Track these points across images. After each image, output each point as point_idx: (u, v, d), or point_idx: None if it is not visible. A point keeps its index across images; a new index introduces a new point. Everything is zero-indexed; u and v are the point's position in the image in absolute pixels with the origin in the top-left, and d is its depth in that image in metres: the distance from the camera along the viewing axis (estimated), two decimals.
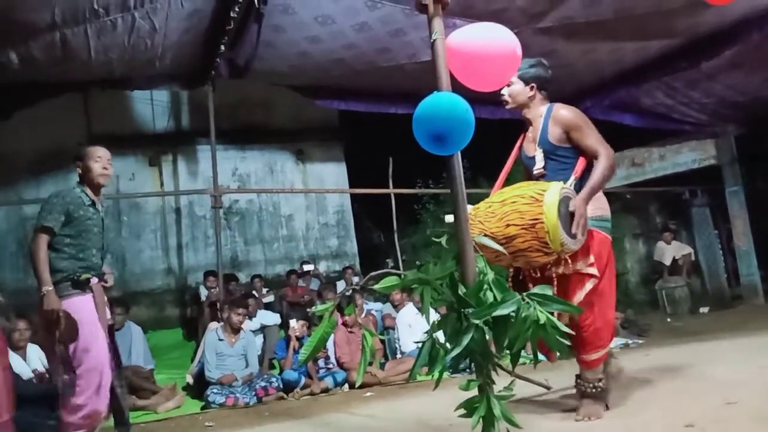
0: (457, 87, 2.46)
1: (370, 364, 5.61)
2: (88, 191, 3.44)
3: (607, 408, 3.09)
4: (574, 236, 2.79)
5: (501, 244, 2.68)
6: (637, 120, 8.51)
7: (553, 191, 2.76)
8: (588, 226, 2.91)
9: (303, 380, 5.63)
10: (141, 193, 8.41)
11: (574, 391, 3.21)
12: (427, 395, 3.98)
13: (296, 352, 5.80)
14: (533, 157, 3.23)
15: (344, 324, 6.14)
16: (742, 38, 6.16)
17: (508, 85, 3.22)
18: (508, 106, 3.32)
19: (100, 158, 3.42)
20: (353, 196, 9.93)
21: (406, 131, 2.63)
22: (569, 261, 2.94)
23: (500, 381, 2.39)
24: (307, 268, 8.48)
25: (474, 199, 2.90)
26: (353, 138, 10.09)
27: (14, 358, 4.62)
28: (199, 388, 5.62)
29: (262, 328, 6.82)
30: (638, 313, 8.93)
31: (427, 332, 2.46)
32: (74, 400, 3.16)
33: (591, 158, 3.09)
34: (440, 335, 2.42)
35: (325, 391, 5.54)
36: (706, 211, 10.40)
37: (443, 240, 2.54)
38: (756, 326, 6.46)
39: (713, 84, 7.57)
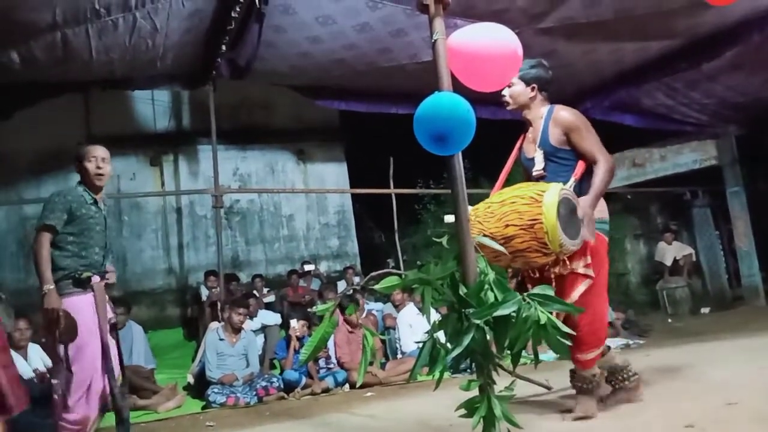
0: (458, 87, 2.46)
1: (371, 364, 5.61)
2: (89, 190, 3.45)
3: (602, 401, 3.10)
4: (573, 236, 2.80)
5: (500, 245, 2.68)
6: (638, 120, 8.52)
7: (552, 192, 2.76)
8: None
9: (304, 380, 5.63)
10: (142, 193, 8.42)
11: (574, 391, 3.21)
12: (427, 395, 3.98)
13: (297, 352, 5.80)
14: (533, 159, 3.23)
15: (348, 323, 6.12)
16: (742, 39, 6.16)
17: (509, 86, 3.22)
18: (508, 107, 3.32)
19: (94, 158, 3.42)
20: (354, 196, 9.94)
21: (407, 131, 2.63)
22: (567, 261, 2.95)
23: (501, 381, 2.40)
24: (308, 268, 8.48)
25: (475, 200, 2.90)
26: (354, 138, 10.10)
27: (15, 358, 4.62)
28: (199, 387, 5.62)
29: (263, 328, 6.82)
30: (639, 313, 8.94)
31: (427, 332, 2.46)
32: (70, 400, 3.16)
33: (589, 163, 3.10)
34: (441, 335, 2.42)
35: (326, 391, 5.54)
36: (707, 211, 10.40)
37: (444, 240, 2.54)
38: (757, 327, 6.47)
39: (714, 85, 7.57)
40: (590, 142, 3.10)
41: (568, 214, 2.80)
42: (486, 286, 2.32)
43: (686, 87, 7.62)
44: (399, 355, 6.43)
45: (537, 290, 2.33)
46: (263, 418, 4.57)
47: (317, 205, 9.69)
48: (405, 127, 2.88)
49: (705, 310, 9.32)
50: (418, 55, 6.18)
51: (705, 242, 10.34)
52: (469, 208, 2.74)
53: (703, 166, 9.71)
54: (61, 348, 3.17)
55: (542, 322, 2.23)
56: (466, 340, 2.25)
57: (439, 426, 3.23)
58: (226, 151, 8.67)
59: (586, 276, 3.00)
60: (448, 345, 2.35)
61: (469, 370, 4.04)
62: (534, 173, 3.20)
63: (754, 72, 7.21)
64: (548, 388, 3.58)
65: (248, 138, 9.22)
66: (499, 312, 2.23)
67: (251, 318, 6.49)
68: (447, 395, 2.69)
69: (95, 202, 3.43)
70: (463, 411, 2.37)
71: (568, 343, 2.33)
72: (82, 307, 3.24)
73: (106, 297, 3.42)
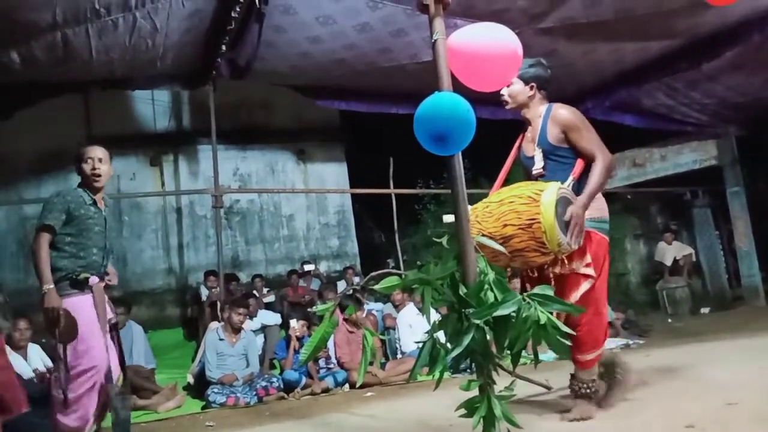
0: (458, 87, 2.46)
1: (371, 364, 5.61)
2: (89, 191, 3.44)
3: (600, 406, 3.10)
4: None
5: (499, 245, 2.67)
6: (638, 120, 8.52)
7: (550, 191, 2.75)
8: (586, 227, 2.91)
9: (304, 380, 5.63)
10: (142, 193, 8.42)
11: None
12: (427, 395, 3.98)
13: (296, 352, 5.80)
14: (532, 157, 3.23)
15: (350, 322, 6.12)
16: (743, 39, 6.16)
17: (508, 85, 3.22)
18: (507, 106, 3.32)
19: (90, 159, 3.40)
20: (354, 196, 9.94)
21: (407, 131, 2.62)
22: (566, 261, 2.94)
23: (501, 381, 2.39)
24: (307, 268, 8.48)
25: (475, 200, 2.90)
26: (354, 138, 10.10)
27: (15, 358, 4.62)
28: (199, 387, 5.62)
29: (263, 328, 6.82)
30: (639, 313, 8.94)
31: (427, 332, 2.46)
32: (69, 401, 3.16)
33: (587, 161, 3.09)
34: (441, 335, 2.42)
35: (326, 391, 5.54)
36: (707, 211, 10.40)
37: (444, 240, 2.53)
38: (757, 327, 6.47)
39: (714, 85, 7.57)
40: (589, 139, 3.09)
41: (565, 214, 2.80)
42: (486, 286, 2.32)
43: (686, 87, 7.61)
44: (399, 355, 6.43)
45: (537, 290, 2.33)
46: (263, 418, 4.57)
47: (317, 205, 9.69)
48: (405, 127, 2.87)
49: (705, 310, 9.32)
50: (418, 55, 6.18)
51: (705, 242, 10.34)
52: (469, 208, 2.74)
53: (703, 166, 9.72)
54: (61, 348, 3.17)
55: (542, 322, 2.23)
56: (466, 340, 2.24)
57: (439, 426, 3.23)
58: (226, 151, 8.67)
59: (587, 276, 2.99)
60: (448, 345, 2.35)
61: (469, 370, 4.04)
62: (533, 172, 3.20)
63: (754, 72, 7.21)
64: (548, 388, 3.58)
65: (248, 138, 9.22)
66: (499, 312, 2.23)
67: (251, 318, 6.49)
68: (447, 395, 2.69)
69: (94, 203, 3.42)
70: (463, 411, 2.36)
71: (568, 343, 2.33)
72: (81, 307, 3.24)
73: (106, 297, 3.42)
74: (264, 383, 5.43)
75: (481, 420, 2.29)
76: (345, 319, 6.11)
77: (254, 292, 7.55)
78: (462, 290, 2.32)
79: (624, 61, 6.90)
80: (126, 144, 8.28)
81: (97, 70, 5.86)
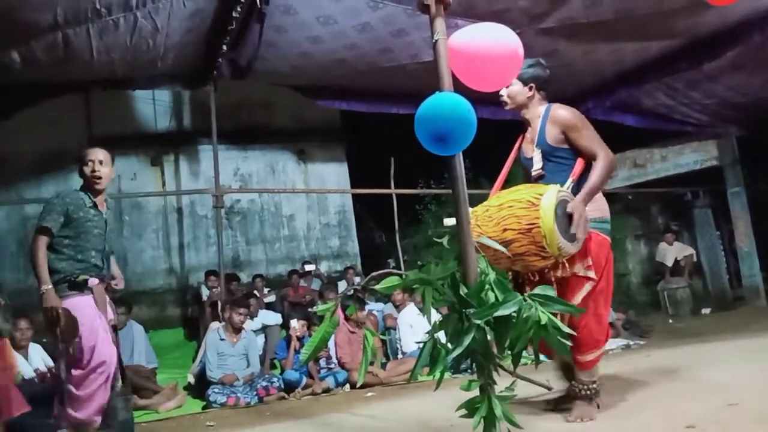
0: (459, 87, 2.46)
1: (372, 364, 5.61)
2: (90, 193, 3.44)
3: (598, 407, 3.10)
4: (572, 239, 2.79)
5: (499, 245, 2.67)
6: (639, 121, 8.52)
7: (549, 195, 2.75)
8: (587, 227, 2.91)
9: (304, 380, 5.63)
10: (143, 193, 8.42)
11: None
12: (428, 396, 3.98)
13: (297, 352, 5.81)
14: (531, 158, 3.22)
15: (352, 322, 6.11)
16: (743, 39, 6.16)
17: (507, 86, 3.21)
18: (507, 107, 3.31)
19: (91, 161, 3.40)
20: (355, 197, 9.94)
21: (407, 131, 2.62)
22: (567, 264, 2.93)
23: (501, 382, 2.39)
24: (308, 268, 8.49)
25: (475, 200, 2.90)
26: (355, 138, 10.09)
27: (16, 358, 4.63)
28: (200, 387, 5.62)
29: (264, 328, 6.82)
30: (640, 314, 8.94)
31: (428, 332, 2.46)
32: (82, 396, 3.17)
33: (589, 160, 3.07)
34: (441, 335, 2.41)
35: (327, 391, 5.54)
36: (708, 212, 10.39)
37: (445, 240, 2.53)
38: (758, 328, 6.46)
39: (714, 85, 7.57)
40: (589, 138, 3.08)
41: (565, 216, 2.79)
42: (487, 287, 2.32)
43: (687, 87, 7.61)
44: (399, 356, 6.43)
45: (538, 290, 2.33)
46: (264, 418, 4.57)
47: (318, 205, 9.69)
48: (406, 127, 2.87)
49: (706, 310, 9.32)
50: (419, 55, 6.18)
51: (706, 243, 10.34)
52: (470, 209, 2.74)
53: (704, 167, 9.72)
54: (63, 346, 3.17)
55: (543, 322, 2.23)
56: (467, 341, 2.24)
57: (439, 426, 3.23)
58: (227, 151, 8.67)
59: (587, 278, 2.99)
60: (449, 345, 2.34)
61: (469, 371, 4.04)
62: (533, 173, 3.19)
63: (754, 72, 7.21)
64: (549, 388, 3.58)
65: (249, 138, 9.22)
66: (500, 312, 2.23)
67: (252, 318, 6.49)
68: (447, 395, 2.69)
69: (95, 206, 3.41)
70: (463, 411, 2.36)
71: (569, 343, 2.32)
72: (82, 308, 3.24)
73: (107, 298, 3.41)
74: (264, 383, 5.43)
75: (482, 420, 2.29)
76: (346, 319, 6.11)
77: (255, 292, 7.55)
78: (463, 290, 2.32)
79: (624, 61, 6.90)
80: (127, 144, 8.27)
81: (97, 70, 5.86)
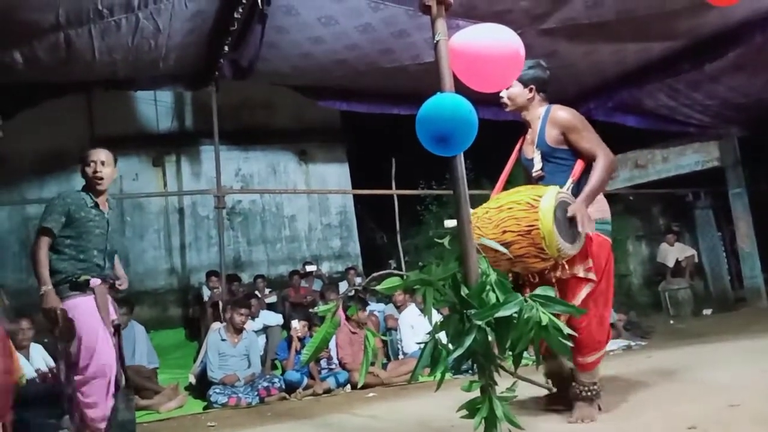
0: (461, 88, 2.46)
1: (373, 364, 5.61)
2: (92, 193, 3.45)
3: (600, 409, 3.10)
4: (571, 240, 2.79)
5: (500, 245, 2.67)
6: (640, 122, 8.51)
7: (548, 197, 2.75)
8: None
9: (305, 381, 5.63)
10: (144, 194, 8.44)
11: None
12: (429, 396, 3.98)
13: (298, 352, 5.81)
14: (532, 159, 3.22)
15: (353, 321, 6.11)
16: (745, 40, 6.15)
17: (507, 88, 3.21)
18: (507, 109, 3.31)
19: (93, 162, 3.40)
20: (356, 197, 9.95)
21: (409, 132, 2.62)
22: (567, 266, 2.93)
23: (502, 382, 2.39)
24: (309, 268, 8.49)
25: (477, 200, 2.90)
26: (356, 139, 10.10)
27: (17, 358, 4.63)
28: (201, 388, 5.63)
29: (265, 329, 6.82)
30: (641, 315, 8.93)
31: (429, 333, 2.46)
32: (87, 401, 3.18)
33: (588, 161, 3.07)
34: (442, 336, 2.42)
35: (328, 391, 5.54)
36: (710, 213, 10.39)
37: (446, 241, 2.53)
38: (759, 328, 6.45)
39: (716, 86, 7.56)
40: (589, 139, 3.07)
41: (565, 218, 2.79)
42: (488, 287, 2.32)
43: (688, 88, 7.61)
44: (400, 356, 6.43)
45: (538, 291, 2.33)
46: (265, 419, 4.57)
47: (319, 206, 9.70)
48: (407, 127, 2.88)
49: (707, 311, 9.32)
50: (420, 56, 6.18)
51: (707, 243, 10.33)
52: (470, 210, 2.74)
53: (705, 168, 9.71)
54: (62, 347, 3.18)
55: (544, 323, 2.23)
56: (468, 341, 2.24)
57: (440, 427, 3.23)
58: (229, 151, 8.68)
59: (588, 280, 2.99)
60: (450, 346, 2.34)
61: (470, 371, 4.03)
62: (533, 174, 3.19)
63: (756, 73, 7.20)
64: (550, 389, 3.58)
65: (250, 139, 9.24)
66: (501, 313, 2.23)
67: (253, 318, 6.49)
68: (448, 396, 2.69)
69: (96, 206, 3.42)
70: (464, 412, 2.36)
71: (570, 344, 2.32)
72: (83, 309, 3.24)
73: (109, 299, 3.42)
74: (266, 384, 5.44)
75: (483, 421, 2.29)
76: (348, 319, 6.10)
77: (256, 292, 7.56)
78: (464, 291, 2.32)
79: (626, 62, 6.89)
80: (129, 144, 8.28)
81: (99, 71, 5.87)
